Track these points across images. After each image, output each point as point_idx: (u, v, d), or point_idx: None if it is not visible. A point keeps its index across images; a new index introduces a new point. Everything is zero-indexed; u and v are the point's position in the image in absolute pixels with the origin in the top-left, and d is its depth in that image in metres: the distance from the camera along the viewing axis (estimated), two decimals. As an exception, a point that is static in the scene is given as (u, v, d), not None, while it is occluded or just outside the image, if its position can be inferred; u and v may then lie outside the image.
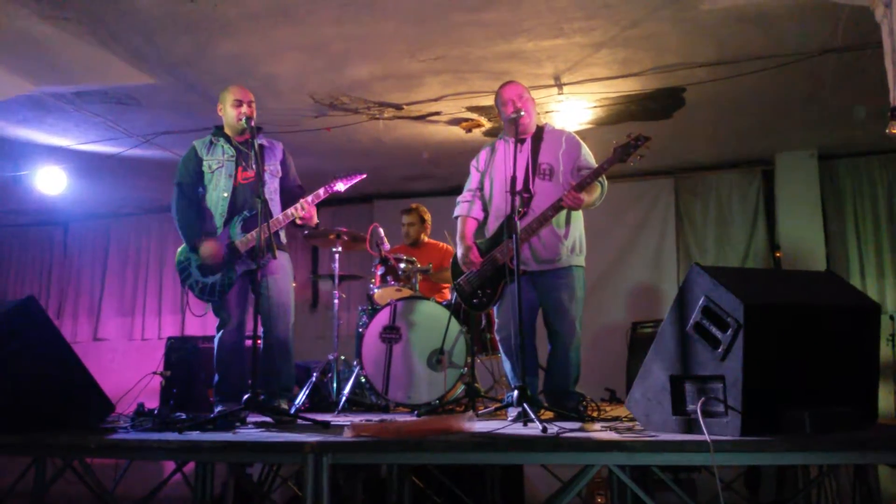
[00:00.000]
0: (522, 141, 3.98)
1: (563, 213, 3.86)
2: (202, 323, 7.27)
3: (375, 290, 5.08)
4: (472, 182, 4.17)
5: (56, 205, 7.77)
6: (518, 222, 3.57)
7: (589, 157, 3.96)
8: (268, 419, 3.75)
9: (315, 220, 4.06)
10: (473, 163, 4.20)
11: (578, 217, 4.00)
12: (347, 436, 2.84)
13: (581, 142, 4.03)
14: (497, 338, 4.05)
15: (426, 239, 5.85)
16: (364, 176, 4.21)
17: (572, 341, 3.84)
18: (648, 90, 5.42)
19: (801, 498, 4.20)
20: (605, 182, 3.91)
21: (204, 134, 4.20)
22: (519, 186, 3.71)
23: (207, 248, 3.92)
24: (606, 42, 4.68)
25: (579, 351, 3.87)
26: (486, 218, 4.12)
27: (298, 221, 4.00)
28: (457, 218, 4.17)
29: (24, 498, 3.57)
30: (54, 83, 5.12)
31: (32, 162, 6.53)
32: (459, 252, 4.05)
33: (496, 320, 4.07)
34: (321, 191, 4.03)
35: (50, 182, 6.62)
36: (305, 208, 3.96)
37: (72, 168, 6.63)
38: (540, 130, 4.04)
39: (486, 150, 4.17)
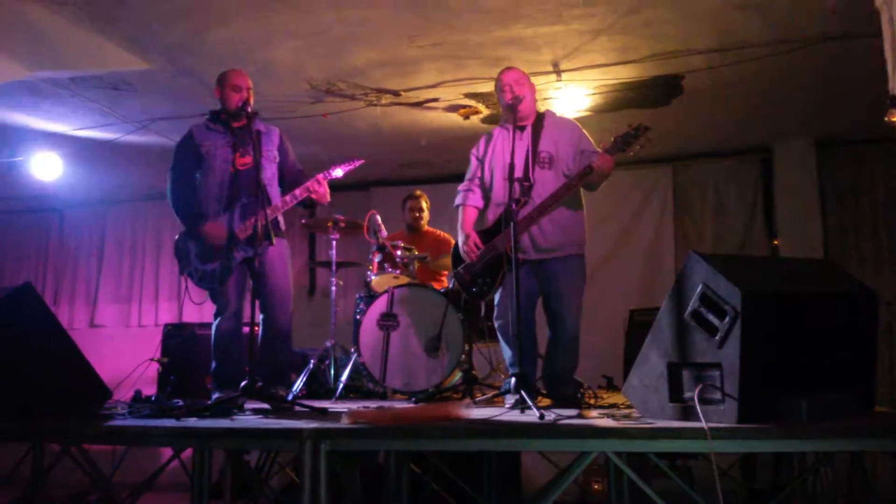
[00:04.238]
0: (522, 128, 3.96)
1: (564, 200, 3.86)
2: (199, 310, 7.21)
3: (373, 278, 5.07)
4: (471, 170, 4.15)
5: (52, 191, 7.73)
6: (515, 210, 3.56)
7: (590, 140, 3.96)
8: (265, 406, 3.75)
9: (328, 197, 4.04)
10: (473, 151, 4.17)
11: (579, 205, 3.99)
12: (345, 422, 2.84)
13: (580, 126, 4.02)
14: (496, 325, 4.04)
15: (425, 226, 5.85)
16: (362, 162, 4.20)
17: (572, 329, 3.83)
18: (647, 77, 5.40)
19: (797, 485, 4.21)
20: None
21: (201, 120, 4.18)
22: (519, 174, 3.69)
23: (210, 229, 3.91)
24: (605, 29, 4.66)
25: (578, 339, 3.87)
26: (486, 206, 4.11)
27: (314, 196, 3.98)
28: (457, 207, 4.16)
29: (23, 483, 3.58)
30: (50, 68, 5.08)
31: (28, 148, 6.50)
32: (460, 241, 4.04)
33: (495, 308, 4.07)
34: (320, 177, 4.03)
35: (46, 168, 6.59)
36: (321, 182, 3.95)
37: (68, 154, 6.59)
38: (541, 118, 4.02)
39: (486, 137, 4.15)
